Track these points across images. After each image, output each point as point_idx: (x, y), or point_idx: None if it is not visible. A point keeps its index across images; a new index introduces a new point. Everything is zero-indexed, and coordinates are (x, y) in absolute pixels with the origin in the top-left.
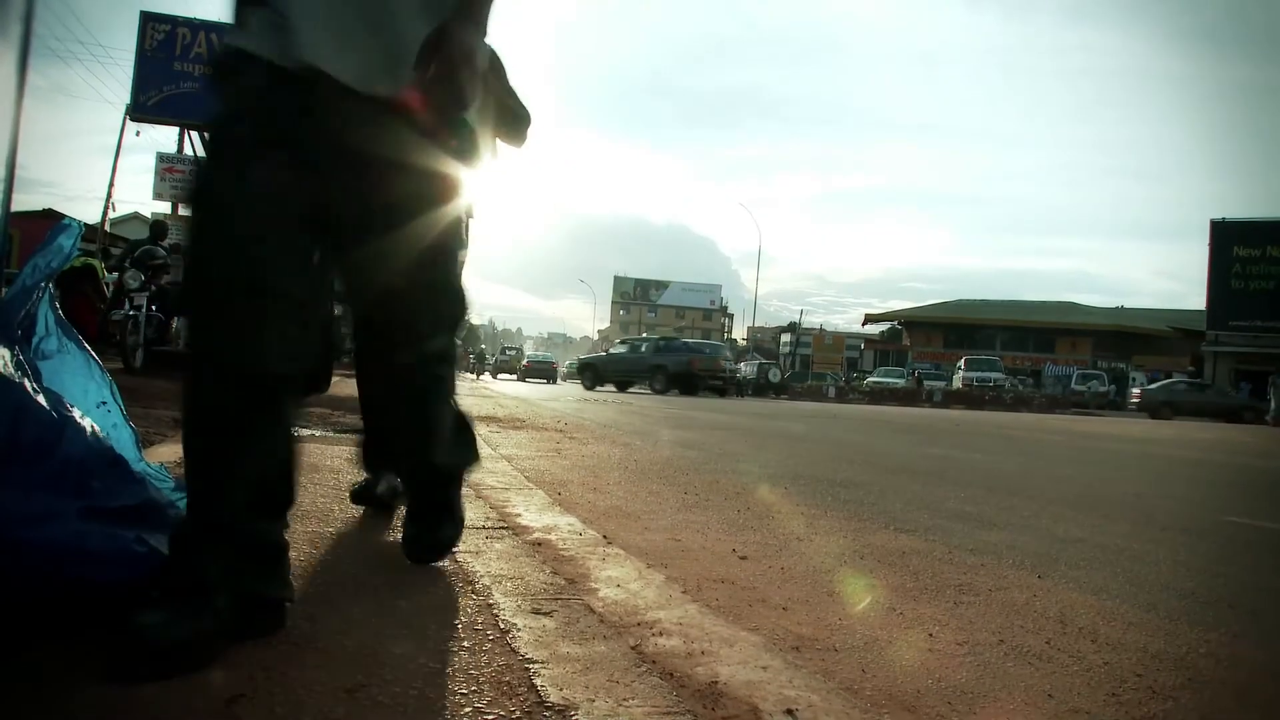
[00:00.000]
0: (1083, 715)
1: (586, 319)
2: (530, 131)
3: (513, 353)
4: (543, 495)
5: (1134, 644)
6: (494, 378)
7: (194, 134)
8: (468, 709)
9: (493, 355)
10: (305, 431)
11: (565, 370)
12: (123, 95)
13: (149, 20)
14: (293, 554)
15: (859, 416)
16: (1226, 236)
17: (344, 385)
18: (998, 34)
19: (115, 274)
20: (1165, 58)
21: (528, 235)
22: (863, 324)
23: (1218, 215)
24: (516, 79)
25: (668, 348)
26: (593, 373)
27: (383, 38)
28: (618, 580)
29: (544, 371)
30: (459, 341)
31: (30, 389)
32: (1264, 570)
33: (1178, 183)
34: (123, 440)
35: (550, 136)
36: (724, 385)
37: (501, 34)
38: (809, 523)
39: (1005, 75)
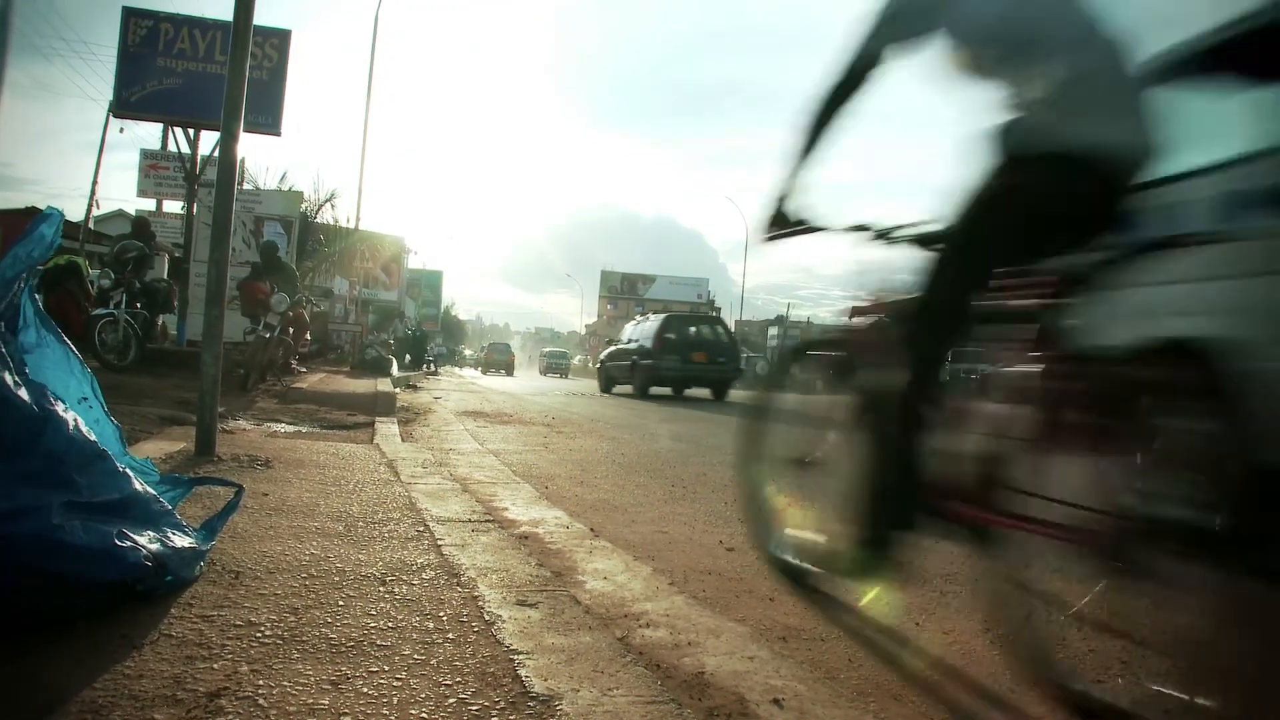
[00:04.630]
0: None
1: (574, 313)
2: None
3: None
4: (530, 489)
5: (1120, 630)
6: (474, 370)
7: (178, 130)
8: (452, 700)
9: (473, 351)
10: (291, 428)
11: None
12: (106, 91)
13: (131, 16)
14: (278, 548)
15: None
16: None
17: (334, 382)
18: None
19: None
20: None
21: (516, 230)
22: (849, 317)
23: None
24: (513, 74)
25: None
26: None
27: None
28: (605, 572)
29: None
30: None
31: (11, 382)
32: None
33: None
34: (105, 435)
35: (540, 132)
36: None
37: (499, 32)
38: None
39: None
